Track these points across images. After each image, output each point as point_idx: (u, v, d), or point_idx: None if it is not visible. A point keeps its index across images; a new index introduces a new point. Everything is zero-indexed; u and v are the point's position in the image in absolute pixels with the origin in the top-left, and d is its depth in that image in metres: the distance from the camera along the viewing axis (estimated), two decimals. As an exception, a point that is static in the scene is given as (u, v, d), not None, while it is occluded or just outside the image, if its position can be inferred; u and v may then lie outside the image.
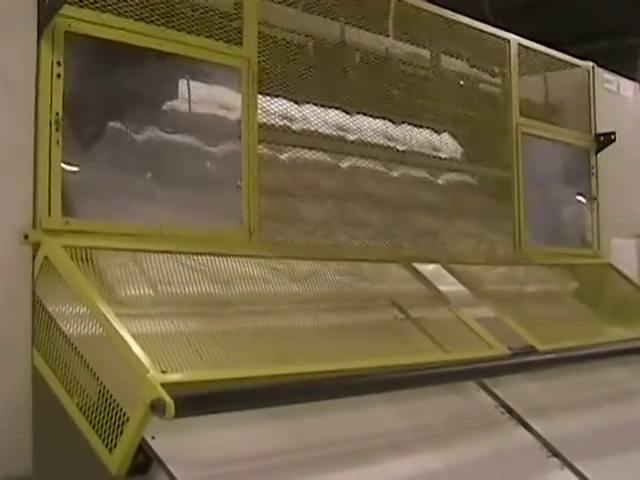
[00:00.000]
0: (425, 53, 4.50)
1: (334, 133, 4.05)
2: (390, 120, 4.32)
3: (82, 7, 2.97)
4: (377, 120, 4.26)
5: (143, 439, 2.39)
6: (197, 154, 3.43)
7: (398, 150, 4.35)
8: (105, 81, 3.14)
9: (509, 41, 4.83)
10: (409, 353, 3.41)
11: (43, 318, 2.74)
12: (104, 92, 3.16)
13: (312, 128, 3.95)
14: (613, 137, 5.32)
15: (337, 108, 4.06)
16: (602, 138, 5.36)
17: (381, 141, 4.27)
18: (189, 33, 3.28)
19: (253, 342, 2.99)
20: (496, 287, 4.23)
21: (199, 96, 3.46)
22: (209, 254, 3.14)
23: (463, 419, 3.31)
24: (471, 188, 4.78)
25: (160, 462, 2.38)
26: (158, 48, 3.18)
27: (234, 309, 3.08)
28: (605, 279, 5.10)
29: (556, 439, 3.39)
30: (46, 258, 2.75)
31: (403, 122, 4.39)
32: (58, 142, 2.87)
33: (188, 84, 3.41)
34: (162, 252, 3.01)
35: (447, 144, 4.71)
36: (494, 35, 4.76)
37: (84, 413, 2.53)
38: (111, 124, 3.18)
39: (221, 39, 3.39)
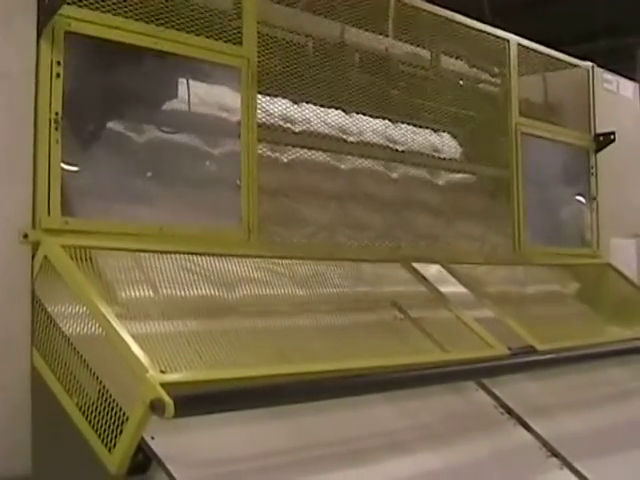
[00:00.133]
0: (425, 53, 4.50)
1: (333, 133, 4.05)
2: (390, 120, 4.32)
3: (81, 7, 2.97)
4: (376, 120, 4.26)
5: (142, 439, 2.39)
6: (196, 154, 3.44)
7: (397, 150, 4.35)
8: (104, 81, 3.15)
9: (508, 41, 4.83)
10: (409, 353, 3.41)
11: (42, 318, 2.74)
12: (103, 92, 3.17)
13: (311, 128, 3.95)
14: (612, 137, 5.33)
15: (337, 108, 4.06)
16: (601, 138, 5.36)
17: (380, 141, 4.27)
18: (189, 33, 3.28)
19: (252, 342, 2.99)
20: (495, 287, 4.23)
21: (199, 96, 3.46)
22: (208, 254, 3.14)
23: (463, 419, 3.31)
24: (471, 188, 4.78)
25: (159, 462, 2.38)
26: (157, 48, 3.18)
27: (233, 309, 3.08)
28: (604, 279, 5.10)
29: (555, 439, 3.39)
30: (45, 258, 2.75)
31: (402, 122, 4.40)
32: (57, 142, 2.87)
33: (188, 84, 3.41)
34: (161, 252, 3.00)
35: (447, 144, 4.71)
36: (493, 35, 4.76)
37: (83, 413, 2.53)
38: (110, 124, 3.19)
39: (221, 39, 3.39)
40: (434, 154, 4.56)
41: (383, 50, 4.25)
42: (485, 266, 4.39)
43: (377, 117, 4.25)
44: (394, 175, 4.33)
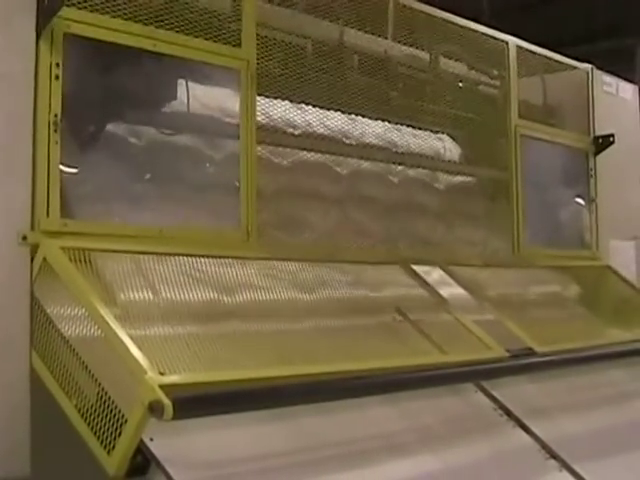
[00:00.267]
0: (424, 55, 4.51)
1: (332, 135, 4.05)
2: (389, 122, 4.32)
3: (81, 9, 2.97)
4: (376, 122, 4.26)
5: (141, 441, 2.39)
6: (196, 155, 3.44)
7: (397, 152, 4.35)
8: (104, 83, 3.15)
9: (507, 43, 4.84)
10: (408, 355, 3.41)
11: (41, 319, 2.74)
12: (103, 94, 3.17)
13: (310, 130, 3.95)
14: (612, 139, 5.33)
15: (336, 110, 4.06)
16: (601, 140, 5.36)
17: (380, 143, 4.27)
18: (188, 35, 3.28)
19: (251, 344, 2.99)
20: (494, 289, 4.23)
21: (198, 98, 3.46)
22: (208, 256, 3.14)
23: (462, 421, 3.31)
24: (470, 190, 4.79)
25: (158, 464, 2.38)
26: (157, 50, 3.18)
27: (232, 311, 3.08)
28: (603, 281, 5.10)
29: (554, 441, 3.39)
30: (44, 259, 2.75)
31: (402, 124, 4.40)
32: (57, 143, 2.87)
33: (187, 86, 3.41)
34: (161, 254, 3.00)
35: (446, 146, 4.72)
36: (493, 37, 4.76)
37: (82, 415, 2.53)
38: (110, 126, 3.19)
39: (220, 41, 3.39)
40: (433, 156, 4.56)
41: (382, 52, 4.26)
42: (484, 268, 4.39)
43: (376, 119, 4.26)
44: (393, 177, 4.34)
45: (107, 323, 2.52)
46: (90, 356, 2.57)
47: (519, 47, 4.89)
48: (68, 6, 2.91)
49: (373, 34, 4.18)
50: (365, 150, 4.20)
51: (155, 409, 2.27)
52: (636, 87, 5.89)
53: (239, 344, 2.94)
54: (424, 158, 4.51)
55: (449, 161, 4.70)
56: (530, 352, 3.72)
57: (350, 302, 3.51)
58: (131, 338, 2.48)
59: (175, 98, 3.40)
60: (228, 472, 2.52)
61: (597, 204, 5.37)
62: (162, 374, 2.43)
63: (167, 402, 2.26)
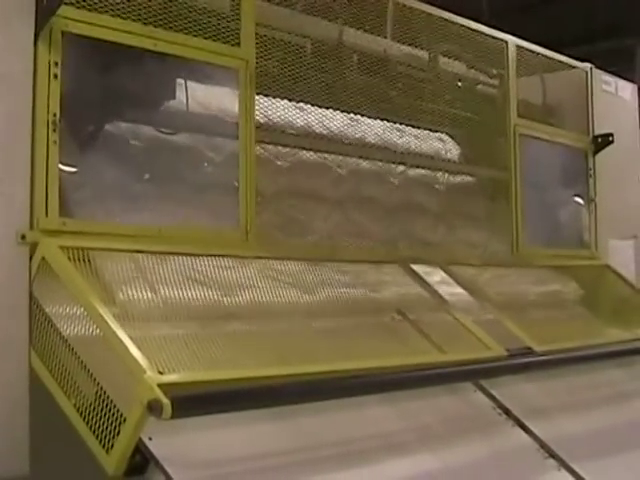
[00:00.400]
0: (423, 54, 4.51)
1: (332, 134, 4.05)
2: (388, 121, 4.32)
3: (79, 8, 2.97)
4: (375, 121, 4.26)
5: (140, 440, 2.39)
6: (195, 155, 3.44)
7: (395, 151, 4.35)
8: (102, 82, 3.15)
9: (507, 42, 4.84)
10: (407, 354, 3.41)
11: (40, 319, 2.74)
12: (101, 93, 3.17)
13: (309, 129, 3.95)
14: (611, 138, 5.33)
15: (334, 109, 4.06)
16: (600, 139, 5.37)
17: (379, 142, 4.27)
18: (187, 34, 3.28)
19: (250, 343, 2.99)
20: (493, 288, 4.23)
21: (197, 97, 3.46)
22: (206, 255, 3.14)
23: (460, 420, 3.31)
24: (469, 189, 4.79)
25: (157, 463, 2.38)
26: (155, 49, 3.18)
27: (231, 310, 3.08)
28: (602, 280, 5.10)
29: (553, 440, 3.39)
30: (43, 259, 2.75)
31: (401, 123, 4.40)
32: (55, 143, 2.87)
33: (186, 85, 3.41)
34: (159, 253, 3.00)
35: (445, 145, 4.72)
36: (492, 36, 4.76)
37: (81, 414, 2.53)
38: (108, 125, 3.19)
39: (219, 40, 3.39)
40: (432, 155, 4.56)
41: (381, 51, 4.25)
42: (483, 268, 4.39)
43: (375, 118, 4.26)
44: (392, 176, 4.34)
45: (106, 322, 2.52)
46: (89, 355, 2.56)
47: (518, 46, 4.89)
48: (67, 5, 2.90)
49: (372, 33, 4.18)
50: (364, 149, 4.20)
51: (154, 408, 2.27)
52: (635, 86, 5.89)
53: (238, 343, 2.94)
54: (423, 157, 4.51)
55: (448, 160, 4.70)
56: (529, 351, 3.72)
57: (349, 302, 3.51)
58: (130, 337, 2.48)
59: (174, 97, 3.40)
60: (227, 471, 2.52)
61: (596, 203, 5.37)
62: (161, 373, 2.43)
63: (166, 401, 2.26)
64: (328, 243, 3.86)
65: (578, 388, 3.89)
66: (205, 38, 3.35)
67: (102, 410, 2.46)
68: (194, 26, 3.31)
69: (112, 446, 2.41)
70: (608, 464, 3.47)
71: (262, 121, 3.65)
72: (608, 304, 4.89)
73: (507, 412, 3.44)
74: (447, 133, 4.73)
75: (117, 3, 3.08)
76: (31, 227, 2.81)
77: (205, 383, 2.54)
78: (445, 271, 4.09)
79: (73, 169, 3.01)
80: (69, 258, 2.74)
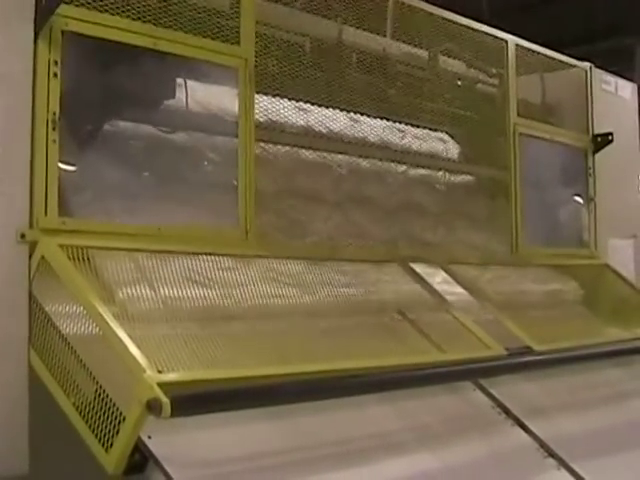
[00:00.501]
0: (422, 53, 4.51)
1: (331, 133, 4.05)
2: (387, 120, 4.32)
3: (79, 6, 2.97)
4: (374, 120, 4.26)
5: (139, 438, 2.39)
6: (194, 154, 3.44)
7: (395, 150, 4.35)
8: (102, 80, 3.15)
9: (507, 41, 4.83)
10: (406, 353, 3.41)
11: (40, 317, 2.74)
12: (101, 91, 3.17)
13: (309, 128, 3.95)
14: (610, 138, 5.33)
15: (334, 108, 4.06)
16: (599, 139, 5.36)
17: (378, 141, 4.27)
18: (186, 32, 3.28)
19: (249, 342, 2.99)
20: (493, 288, 4.23)
21: (196, 95, 3.46)
22: (206, 254, 3.14)
23: (460, 419, 3.31)
24: (468, 188, 4.79)
25: (156, 462, 2.38)
26: (155, 48, 3.18)
27: (230, 310, 3.08)
28: (602, 280, 5.10)
29: (553, 440, 3.39)
30: (43, 257, 2.75)
31: (400, 122, 4.40)
32: (55, 141, 2.87)
33: (185, 83, 3.41)
34: (159, 252, 3.00)
35: (444, 144, 4.72)
36: (492, 35, 4.76)
37: (80, 412, 2.53)
38: (108, 123, 3.19)
39: (218, 38, 3.39)
40: (431, 154, 4.56)
41: (381, 50, 4.25)
42: (482, 267, 4.39)
43: (375, 117, 4.25)
44: (391, 175, 4.34)
45: (105, 321, 2.52)
46: (88, 354, 2.56)
47: (518, 45, 4.89)
48: (66, 3, 2.90)
49: (372, 32, 4.18)
50: (363, 148, 4.20)
51: (153, 407, 2.27)
52: (635, 86, 5.89)
53: (237, 343, 2.94)
54: (422, 156, 4.51)
55: (448, 160, 4.70)
56: (528, 351, 3.73)
57: (349, 301, 3.51)
58: (129, 336, 2.48)
59: (174, 96, 3.40)
60: (226, 470, 2.53)
61: (596, 203, 5.37)
62: (160, 372, 2.43)
63: (165, 400, 2.26)
64: (328, 242, 3.86)
65: (577, 387, 3.89)
66: (205, 37, 3.34)
67: (101, 409, 2.46)
68: (194, 25, 3.31)
69: (111, 445, 2.41)
70: (607, 463, 3.47)
71: (262, 120, 3.65)
72: (607, 303, 4.89)
73: (506, 411, 3.44)
74: (447, 132, 4.73)
75: (117, 2, 3.08)
76: (31, 226, 2.81)
77: (204, 382, 2.54)
78: (445, 270, 4.09)
79: (73, 168, 3.01)
80: (69, 257, 2.74)
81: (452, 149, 4.78)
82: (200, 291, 3.02)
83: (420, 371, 3.19)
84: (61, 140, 2.89)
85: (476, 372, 3.46)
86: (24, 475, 2.72)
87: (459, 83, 4.74)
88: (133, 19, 3.12)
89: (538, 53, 5.06)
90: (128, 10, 3.11)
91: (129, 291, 2.82)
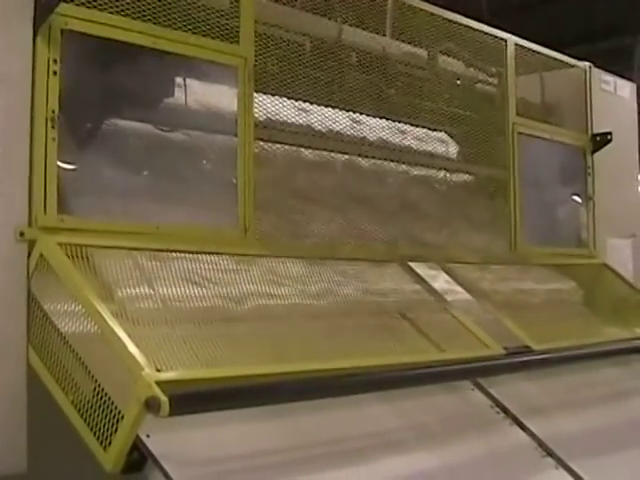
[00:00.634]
0: (422, 53, 4.51)
1: (330, 132, 4.05)
2: (386, 120, 4.32)
3: (78, 5, 2.97)
4: (374, 119, 4.26)
5: (138, 437, 2.39)
6: (193, 152, 3.44)
7: (394, 150, 4.35)
8: (101, 79, 3.14)
9: (506, 41, 4.84)
10: (405, 352, 3.41)
11: (38, 316, 2.74)
12: (100, 90, 3.17)
13: (308, 127, 3.95)
14: (609, 137, 5.33)
15: (333, 107, 4.06)
16: (598, 138, 5.37)
17: (377, 140, 4.27)
18: (186, 31, 3.28)
19: (248, 341, 2.99)
20: (492, 287, 4.23)
21: (195, 94, 3.46)
22: (205, 253, 3.14)
23: (458, 418, 3.31)
24: (467, 188, 4.78)
25: (155, 460, 2.38)
26: (154, 46, 3.18)
27: (229, 308, 3.08)
28: (601, 279, 5.10)
29: (551, 439, 3.39)
30: (42, 256, 2.75)
31: (400, 122, 4.39)
32: (54, 140, 2.87)
33: (184, 82, 3.41)
34: (158, 250, 3.00)
35: (444, 144, 4.71)
36: (491, 35, 4.76)
37: (79, 411, 2.53)
38: (107, 122, 3.19)
39: (218, 37, 3.39)
40: (430, 154, 4.56)
41: (380, 49, 4.25)
42: (481, 266, 4.39)
43: (374, 117, 4.25)
44: (390, 175, 4.33)
45: (104, 320, 2.52)
46: (87, 352, 2.56)
47: (517, 45, 4.89)
48: (66, 2, 2.90)
49: (371, 31, 4.18)
50: (363, 147, 4.20)
51: (152, 405, 2.27)
52: (634, 85, 5.89)
53: (236, 341, 2.94)
54: (421, 156, 4.51)
55: (446, 159, 4.70)
56: (527, 350, 3.73)
57: (348, 300, 3.51)
58: (128, 335, 2.48)
59: (173, 95, 3.40)
60: (225, 469, 2.53)
61: (594, 202, 5.38)
62: (159, 370, 2.43)
63: (164, 398, 2.26)
64: (327, 242, 3.86)
65: (576, 387, 3.90)
66: (204, 36, 3.34)
67: (100, 407, 2.46)
68: (193, 23, 3.31)
69: (110, 443, 2.41)
70: (606, 462, 3.48)
71: (261, 119, 3.65)
72: (606, 303, 4.89)
73: (505, 410, 3.44)
74: (446, 132, 4.73)
75: (116, 0, 3.08)
76: (29, 224, 2.81)
77: (203, 381, 2.54)
78: (443, 270, 4.09)
79: (72, 166, 3.01)
80: (67, 255, 2.74)
81: (451, 148, 4.78)
82: (199, 290, 3.02)
83: (419, 370, 3.19)
84: (60, 138, 2.89)
85: (475, 371, 3.46)
86: (22, 473, 2.72)
87: (458, 83, 4.74)
88: (132, 18, 3.12)
89: (537, 53, 5.07)
90: (127, 9, 3.10)
91: (128, 290, 2.82)
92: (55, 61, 2.88)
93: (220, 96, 3.54)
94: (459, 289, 4.03)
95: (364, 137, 4.21)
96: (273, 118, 3.78)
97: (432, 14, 4.41)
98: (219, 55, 3.41)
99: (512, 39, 4.87)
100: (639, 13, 10.15)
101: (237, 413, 2.57)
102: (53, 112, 2.86)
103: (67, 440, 2.56)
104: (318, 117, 4.01)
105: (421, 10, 4.35)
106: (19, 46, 2.84)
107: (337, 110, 4.09)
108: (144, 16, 3.15)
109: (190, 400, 2.41)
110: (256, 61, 3.53)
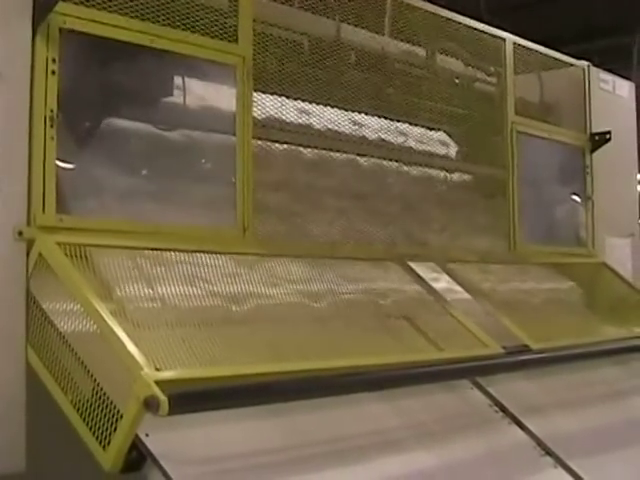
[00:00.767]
0: (420, 51, 4.51)
1: (328, 131, 4.05)
2: (385, 118, 4.32)
3: (77, 4, 2.97)
4: (372, 118, 4.26)
5: (137, 436, 2.39)
6: (192, 151, 3.44)
7: (393, 149, 4.35)
8: (100, 78, 3.15)
9: (504, 40, 4.84)
10: (403, 351, 3.42)
11: (37, 315, 2.74)
12: (99, 89, 3.17)
13: (306, 126, 3.95)
14: (608, 136, 5.33)
15: (332, 106, 4.06)
16: (597, 137, 5.37)
17: (376, 140, 4.27)
18: (184, 30, 3.28)
19: (247, 340, 2.99)
20: (491, 286, 4.23)
21: (194, 93, 3.46)
22: (204, 252, 3.14)
23: (457, 417, 3.31)
24: (466, 187, 4.79)
25: (154, 459, 2.38)
26: (153, 45, 3.18)
27: (228, 307, 3.08)
28: (599, 278, 5.11)
29: (550, 438, 3.39)
30: (40, 255, 2.75)
31: (398, 121, 4.40)
32: (53, 139, 2.87)
33: (183, 81, 3.41)
34: (157, 250, 3.00)
35: (442, 143, 4.72)
36: (489, 34, 4.76)
37: (78, 410, 2.53)
38: (106, 121, 3.18)
39: (216, 36, 3.39)
40: (429, 153, 4.56)
41: (379, 48, 4.25)
42: (480, 265, 4.39)
43: (373, 115, 4.25)
44: (389, 174, 4.33)
45: (103, 319, 2.52)
46: (86, 352, 2.56)
47: (516, 44, 4.89)
48: (64, 1, 2.90)
49: (370, 30, 4.18)
50: (361, 147, 4.20)
51: (151, 405, 2.27)
52: (632, 84, 5.89)
53: (234, 340, 2.94)
54: (420, 155, 4.51)
55: (445, 158, 4.70)
56: (526, 349, 3.73)
57: (346, 299, 3.51)
58: (127, 334, 2.48)
59: (172, 94, 3.40)
60: (224, 468, 2.53)
61: (593, 201, 5.38)
62: (158, 370, 2.43)
63: (163, 398, 2.26)
64: (325, 241, 3.86)
65: (575, 386, 3.90)
66: (202, 35, 3.34)
67: (99, 406, 2.46)
68: (192, 23, 3.31)
69: (109, 442, 2.41)
70: (604, 462, 3.48)
71: (259, 118, 3.65)
72: (605, 302, 4.89)
73: (503, 409, 3.44)
74: (444, 131, 4.73)
75: (115, -1, 3.08)
76: (28, 224, 2.81)
77: (202, 380, 2.54)
78: (442, 269, 4.09)
79: (70, 165, 3.01)
80: (66, 254, 2.73)
81: (450, 148, 4.78)
82: (198, 289, 3.02)
83: (417, 369, 3.19)
84: (59, 137, 2.89)
85: (473, 370, 3.47)
86: (21, 473, 2.72)
87: (457, 81, 4.74)
88: (131, 17, 3.11)
89: (536, 52, 5.06)
90: (126, 8, 3.10)
91: (127, 289, 2.81)
92: (54, 60, 2.88)
93: (219, 95, 3.54)
94: (458, 288, 4.03)
95: (362, 136, 4.21)
96: (271, 117, 3.78)
97: (431, 13, 4.41)
98: (217, 54, 3.41)
99: (510, 38, 4.87)
100: (638, 12, 10.14)
101: (236, 412, 2.57)
102: (52, 111, 2.86)
103: (66, 439, 2.56)
104: (317, 116, 4.01)
105: (419, 9, 4.35)
106: (18, 45, 2.83)
107: (336, 109, 4.09)
108: (143, 15, 3.15)
109: (189, 399, 2.41)
110: (255, 60, 3.52)
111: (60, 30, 2.90)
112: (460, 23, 4.58)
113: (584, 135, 5.38)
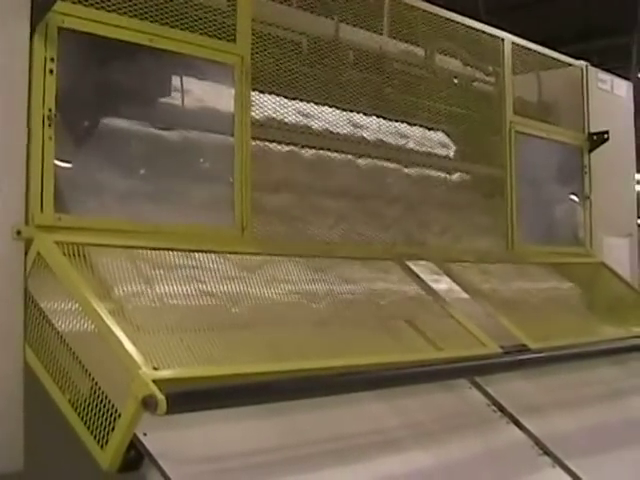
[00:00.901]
0: (419, 51, 4.51)
1: (327, 131, 4.05)
2: (383, 118, 4.32)
3: (75, 3, 2.97)
4: (370, 118, 4.26)
5: (135, 435, 2.39)
6: (190, 150, 3.44)
7: (391, 148, 4.35)
8: (98, 77, 3.14)
9: (503, 40, 4.84)
10: (402, 351, 3.42)
11: (35, 314, 2.74)
12: (97, 88, 3.16)
13: (305, 126, 3.95)
14: (606, 136, 5.33)
15: (330, 106, 4.06)
16: (595, 137, 5.37)
17: (374, 139, 4.27)
18: (183, 30, 3.28)
19: (245, 339, 2.99)
20: (488, 285, 4.23)
21: (192, 92, 3.46)
22: (202, 251, 3.14)
23: (455, 417, 3.32)
24: (464, 186, 4.79)
25: (152, 458, 2.38)
26: (151, 45, 3.18)
27: (227, 307, 3.08)
28: (598, 278, 5.11)
29: (548, 437, 3.39)
30: (38, 254, 2.75)
31: (397, 120, 4.40)
32: (51, 138, 2.87)
33: (181, 81, 3.41)
34: (155, 249, 3.00)
35: (441, 142, 4.72)
36: (488, 33, 4.77)
37: (76, 409, 2.53)
38: (104, 120, 3.18)
39: (214, 36, 3.39)
40: (428, 152, 4.56)
41: (377, 48, 4.25)
42: (478, 265, 4.39)
43: (371, 115, 4.25)
44: (387, 173, 4.33)
45: (101, 318, 2.52)
46: (84, 351, 2.56)
47: (514, 44, 4.89)
48: (63, 0, 2.90)
49: (368, 30, 4.18)
50: (360, 146, 4.20)
51: (149, 404, 2.27)
52: (631, 84, 5.90)
53: (233, 339, 2.94)
54: (418, 154, 4.51)
55: (444, 157, 4.70)
56: (524, 348, 3.73)
57: (345, 299, 3.51)
58: (125, 333, 2.48)
59: (170, 93, 3.40)
60: (222, 467, 2.53)
61: (591, 201, 5.38)
62: (156, 369, 2.43)
63: (161, 397, 2.26)
64: (324, 240, 3.86)
65: (573, 385, 3.90)
66: (201, 34, 3.34)
67: (97, 406, 2.46)
68: (190, 22, 3.31)
69: (107, 442, 2.41)
70: (602, 461, 3.48)
71: (258, 117, 3.65)
72: (603, 302, 4.89)
73: (502, 409, 3.44)
74: (443, 130, 4.73)
75: (113, -1, 3.08)
76: (26, 223, 2.81)
77: (200, 379, 2.54)
78: (441, 268, 4.09)
79: (69, 165, 3.01)
80: (64, 254, 2.73)
81: (448, 147, 4.78)
82: (196, 288, 3.02)
83: (416, 369, 3.19)
84: (57, 137, 2.89)
85: (471, 370, 3.47)
86: (19, 471, 2.72)
87: (455, 81, 4.74)
88: (129, 16, 3.11)
89: (534, 51, 5.07)
90: (124, 7, 3.10)
91: (125, 288, 2.82)
92: (52, 59, 2.88)
93: (217, 95, 3.54)
94: (456, 288, 4.03)
95: (361, 136, 4.21)
96: (270, 117, 3.78)
97: (429, 13, 4.41)
98: (216, 53, 3.41)
99: (509, 38, 4.87)
100: (635, 12, 10.16)
101: (234, 411, 2.57)
102: (50, 111, 2.86)
103: (64, 438, 2.56)
104: (315, 116, 4.01)
105: (418, 9, 4.35)
106: (16, 44, 2.83)
107: (334, 109, 4.09)
108: (141, 14, 3.15)
109: (187, 398, 2.41)
110: (253, 60, 3.52)
111: (58, 29, 2.90)
112: (459, 23, 4.58)
113: (582, 135, 5.38)
